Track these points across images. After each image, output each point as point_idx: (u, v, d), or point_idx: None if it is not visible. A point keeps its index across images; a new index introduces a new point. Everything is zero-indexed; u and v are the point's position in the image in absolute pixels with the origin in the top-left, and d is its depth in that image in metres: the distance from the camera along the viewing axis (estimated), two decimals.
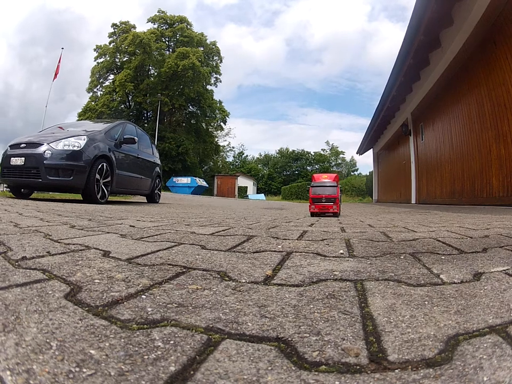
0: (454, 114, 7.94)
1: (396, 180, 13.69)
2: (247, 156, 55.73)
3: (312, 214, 3.88)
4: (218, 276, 0.81)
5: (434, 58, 7.59)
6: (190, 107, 34.47)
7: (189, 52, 30.50)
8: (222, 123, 37.32)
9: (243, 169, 47.96)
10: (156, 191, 7.38)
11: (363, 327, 0.52)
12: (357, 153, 19.39)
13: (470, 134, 7.10)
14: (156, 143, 12.87)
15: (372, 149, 18.08)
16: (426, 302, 0.64)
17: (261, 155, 56.36)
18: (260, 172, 51.37)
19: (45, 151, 4.66)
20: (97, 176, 4.91)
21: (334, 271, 0.88)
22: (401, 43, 6.88)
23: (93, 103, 31.93)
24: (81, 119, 26.17)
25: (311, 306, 0.62)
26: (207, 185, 26.51)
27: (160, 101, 28.72)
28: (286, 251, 1.18)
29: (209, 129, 36.27)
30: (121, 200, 8.38)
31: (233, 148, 48.98)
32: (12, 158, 4.85)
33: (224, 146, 43.13)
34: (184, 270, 0.86)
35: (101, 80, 33.16)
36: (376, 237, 1.62)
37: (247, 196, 31.12)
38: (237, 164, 52.22)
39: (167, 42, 33.96)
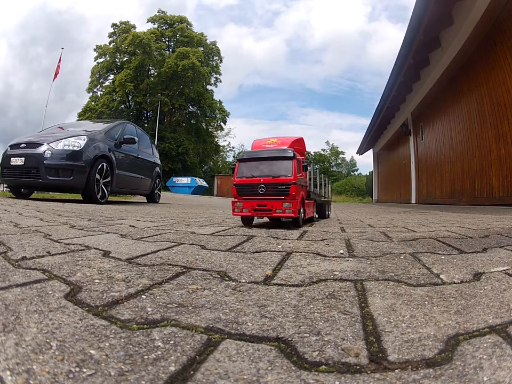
0: (454, 114, 7.95)
1: (396, 180, 13.69)
2: None
3: (244, 221, 2.12)
4: (218, 276, 0.81)
5: (434, 58, 7.60)
6: (190, 107, 34.44)
7: (189, 52, 30.49)
8: (222, 123, 37.29)
9: None
10: (155, 191, 7.38)
11: (363, 327, 0.52)
12: (357, 153, 19.42)
13: (470, 134, 7.10)
14: (155, 143, 12.86)
15: (372, 149, 18.09)
16: (426, 302, 0.63)
17: None
18: None
19: (45, 151, 4.66)
20: (97, 176, 4.92)
21: (334, 271, 0.88)
22: (401, 43, 6.89)
23: (93, 103, 31.91)
24: (81, 119, 26.16)
25: (311, 306, 0.62)
26: (207, 185, 26.48)
27: (160, 101, 28.72)
28: (286, 251, 1.18)
29: (209, 129, 36.23)
30: (121, 200, 8.38)
31: (233, 148, 48.79)
32: (12, 158, 4.85)
33: (224, 146, 43.07)
34: (184, 270, 0.86)
35: (101, 80, 33.16)
36: (376, 237, 1.62)
37: None
38: None
39: (167, 42, 33.96)
